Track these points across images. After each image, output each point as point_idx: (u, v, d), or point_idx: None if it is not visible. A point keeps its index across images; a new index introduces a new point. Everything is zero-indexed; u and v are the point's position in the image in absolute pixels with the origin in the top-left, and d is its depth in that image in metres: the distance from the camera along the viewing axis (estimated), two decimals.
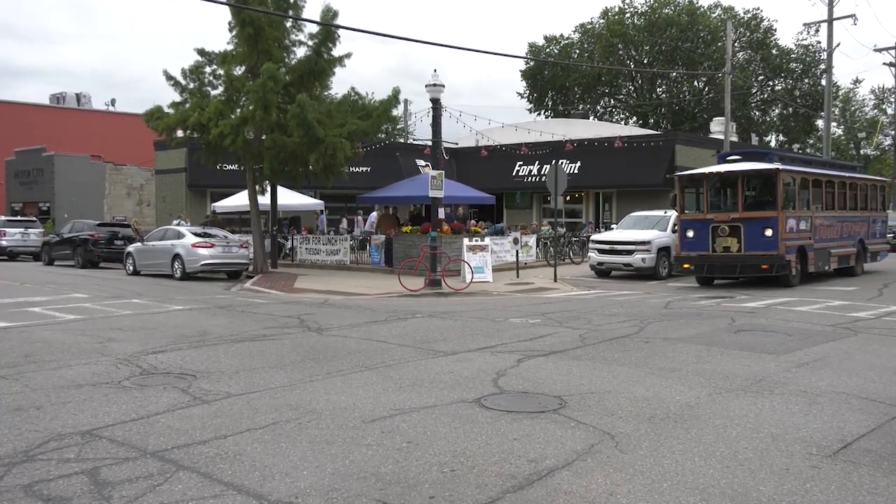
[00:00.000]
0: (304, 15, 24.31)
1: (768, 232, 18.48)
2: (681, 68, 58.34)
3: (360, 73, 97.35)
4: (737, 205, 19.19)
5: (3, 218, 36.77)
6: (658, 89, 63.26)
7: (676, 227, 20.90)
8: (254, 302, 16.58)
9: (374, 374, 8.58)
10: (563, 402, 7.19)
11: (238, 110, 23.65)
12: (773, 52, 60.78)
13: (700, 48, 57.71)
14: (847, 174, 22.85)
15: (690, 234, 19.66)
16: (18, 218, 38.69)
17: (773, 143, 66.22)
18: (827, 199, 21.19)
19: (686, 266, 19.72)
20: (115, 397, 7.48)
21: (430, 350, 10.15)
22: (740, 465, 5.45)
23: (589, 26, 62.75)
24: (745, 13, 60.91)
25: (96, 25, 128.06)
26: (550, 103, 64.89)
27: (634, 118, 63.30)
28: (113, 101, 63.21)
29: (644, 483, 5.08)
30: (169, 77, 23.89)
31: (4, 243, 33.62)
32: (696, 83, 61.91)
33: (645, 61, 61.07)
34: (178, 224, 28.30)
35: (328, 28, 23.27)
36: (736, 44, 54.52)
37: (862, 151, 72.21)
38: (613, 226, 28.65)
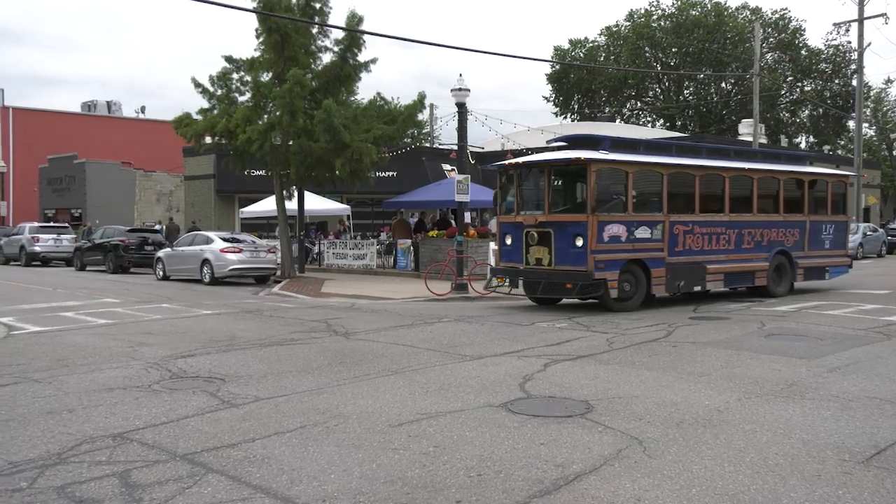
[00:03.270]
0: (330, 21, 24.46)
1: (578, 241, 14.59)
2: (708, 70, 57.89)
3: (383, 78, 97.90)
4: (544, 205, 15.41)
5: (37, 224, 37.34)
6: (685, 91, 62.84)
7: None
8: (281, 306, 16.68)
9: (400, 378, 8.60)
10: (591, 407, 7.16)
11: (265, 116, 23.85)
12: (802, 52, 60.15)
13: (727, 49, 57.23)
14: (759, 165, 17.65)
15: (508, 241, 16.02)
16: (51, 224, 39.27)
17: (802, 145, 65.47)
18: (708, 199, 16.57)
19: (500, 280, 16.73)
20: (145, 401, 7.57)
21: (457, 354, 10.15)
22: (771, 470, 5.39)
23: (615, 29, 62.49)
24: (772, 14, 60.38)
25: (124, 34, 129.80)
26: (576, 106, 64.69)
27: (661, 120, 62.94)
28: (143, 109, 64.05)
29: (673, 489, 5.04)
30: (197, 84, 24.17)
31: (38, 249, 34.12)
32: (723, 85, 61.44)
33: (672, 63, 60.69)
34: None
35: (353, 34, 23.40)
36: (764, 45, 54.03)
37: (895, 152, 71.10)
38: None
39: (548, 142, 18.55)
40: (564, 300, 16.10)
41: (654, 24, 59.86)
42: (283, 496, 4.94)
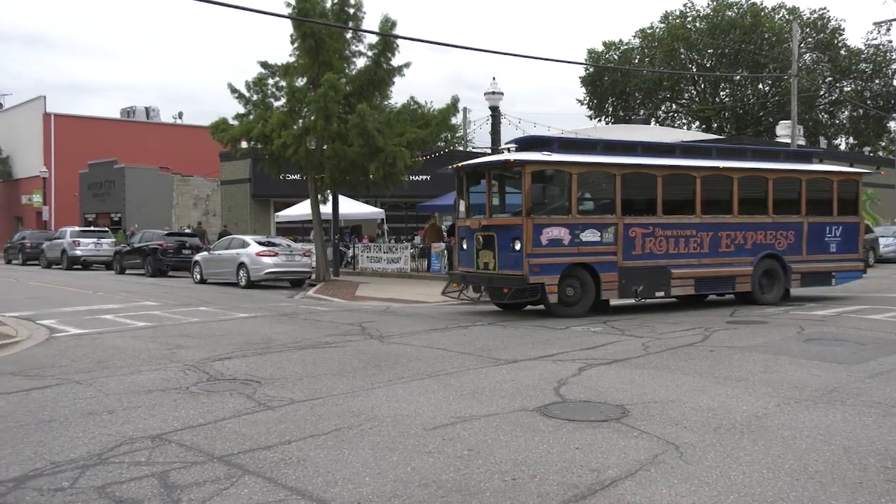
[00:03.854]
0: (364, 26, 24.60)
1: (517, 245, 14.25)
2: (744, 71, 57.20)
3: (417, 82, 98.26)
4: (485, 208, 15.23)
5: (77, 228, 38.04)
6: (721, 93, 62.17)
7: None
8: (316, 310, 16.80)
9: (434, 381, 8.61)
10: (626, 412, 7.10)
11: (300, 121, 24.06)
12: (842, 52, 59.18)
13: (764, 50, 56.48)
14: (740, 164, 16.62)
15: (464, 245, 15.89)
16: (91, 228, 39.99)
17: (842, 147, 64.39)
18: (675, 200, 15.83)
19: (455, 285, 16.61)
20: (183, 403, 7.66)
21: (491, 358, 10.14)
22: (810, 478, 5.30)
23: (649, 31, 62.04)
24: (811, 13, 59.48)
25: (161, 41, 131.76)
26: (611, 109, 64.31)
27: (697, 123, 62.32)
28: (180, 114, 64.93)
29: (710, 495, 4.98)
30: (233, 90, 24.47)
31: (78, 253, 34.76)
32: (760, 86, 60.67)
33: (707, 65, 60.07)
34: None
35: (387, 38, 23.52)
36: (802, 45, 53.27)
37: None
38: None
39: (505, 143, 17.89)
40: (530, 305, 15.72)
41: (689, 26, 59.30)
42: (318, 498, 4.97)
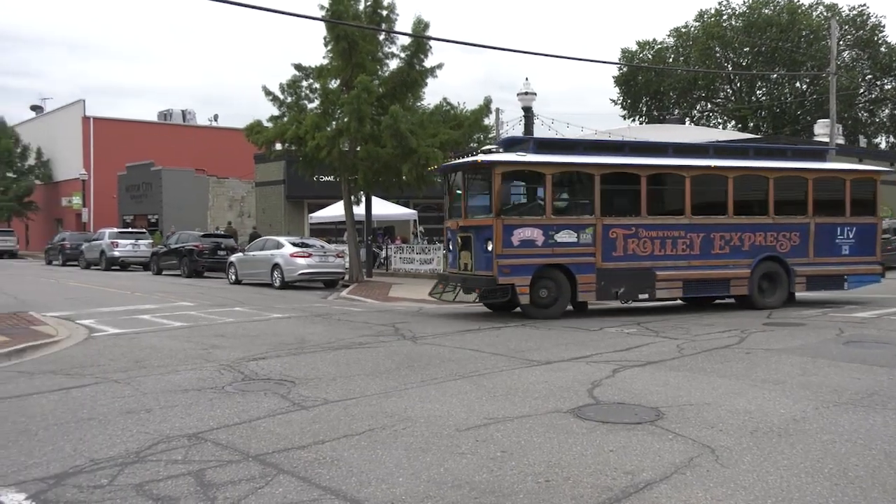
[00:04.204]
0: (396, 27, 24.68)
1: (489, 246, 14.29)
2: (781, 69, 56.41)
3: (449, 83, 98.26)
4: (465, 210, 15.27)
5: (116, 230, 38.65)
6: (757, 92, 61.34)
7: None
8: (350, 310, 16.88)
9: (467, 382, 8.61)
10: (661, 414, 7.04)
11: (333, 123, 24.21)
12: (882, 49, 58.06)
13: (802, 48, 55.65)
14: (736, 163, 16.13)
15: (451, 246, 15.98)
16: (129, 230, 40.61)
17: (882, 145, 63.19)
18: (662, 200, 15.68)
19: (441, 287, 16.40)
20: (218, 402, 7.75)
21: (524, 359, 10.11)
22: (850, 482, 5.21)
23: (684, 30, 61.44)
24: (849, 10, 58.46)
25: (197, 45, 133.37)
26: (645, 109, 63.80)
27: (733, 122, 61.56)
28: (215, 117, 65.66)
29: (747, 499, 4.91)
30: (268, 92, 24.69)
31: (117, 254, 35.32)
32: (798, 84, 59.76)
33: (743, 63, 59.33)
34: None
35: (420, 40, 23.57)
36: (841, 42, 52.41)
37: None
38: None
39: (493, 144, 17.68)
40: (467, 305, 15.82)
41: (724, 24, 58.62)
42: (352, 498, 4.99)
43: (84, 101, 58.69)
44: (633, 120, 62.75)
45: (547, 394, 7.94)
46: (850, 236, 16.60)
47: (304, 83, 24.97)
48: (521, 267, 14.32)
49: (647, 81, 61.37)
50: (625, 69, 61.38)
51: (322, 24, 23.58)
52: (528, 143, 15.50)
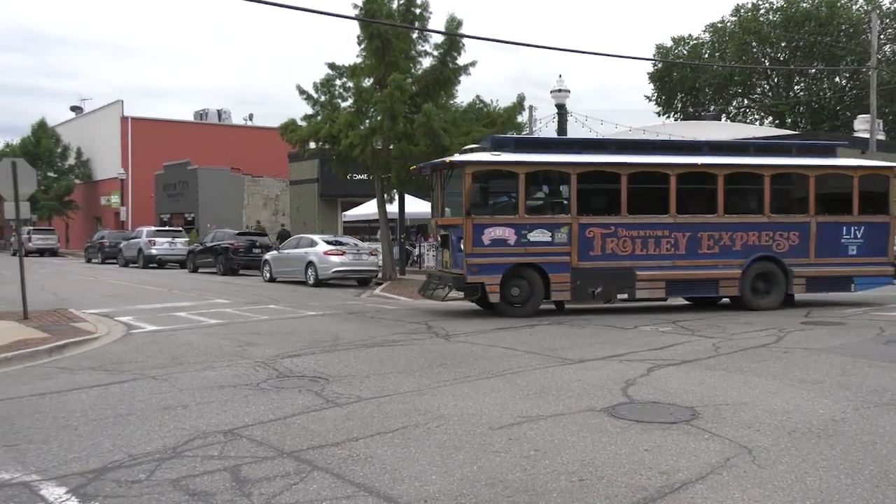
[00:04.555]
0: (430, 26, 24.68)
1: (462, 245, 14.46)
2: (820, 64, 55.46)
3: (481, 81, 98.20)
4: (443, 209, 15.49)
5: (153, 228, 39.19)
6: (795, 87, 60.36)
7: None
8: (383, 308, 16.94)
9: (500, 380, 8.59)
10: (696, 413, 6.96)
11: (367, 121, 24.29)
12: None
13: (841, 42, 54.64)
14: (727, 160, 15.69)
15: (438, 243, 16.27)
16: (166, 228, 41.16)
17: None
18: (644, 198, 15.31)
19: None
20: (253, 398, 7.82)
21: (558, 357, 10.06)
22: (892, 484, 5.10)
23: (720, 25, 60.65)
24: (890, 3, 57.24)
25: (232, 45, 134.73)
26: (680, 105, 63.10)
27: (770, 118, 60.65)
28: (250, 116, 66.31)
29: (784, 500, 4.84)
30: (301, 91, 24.85)
31: (154, 252, 35.81)
32: (837, 79, 58.70)
33: (781, 58, 58.42)
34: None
35: (453, 38, 23.56)
36: (882, 36, 51.36)
37: None
38: None
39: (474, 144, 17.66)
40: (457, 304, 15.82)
41: (761, 19, 57.74)
42: (385, 495, 5.01)
43: (122, 101, 59.68)
44: (668, 117, 62.08)
45: (581, 392, 7.90)
46: (859, 236, 15.89)
47: (338, 82, 25.09)
48: (491, 266, 14.44)
49: (682, 77, 60.69)
50: (659, 65, 60.77)
51: (356, 23, 23.67)
52: (509, 143, 15.58)
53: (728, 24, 60.13)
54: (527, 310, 14.73)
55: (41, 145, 59.48)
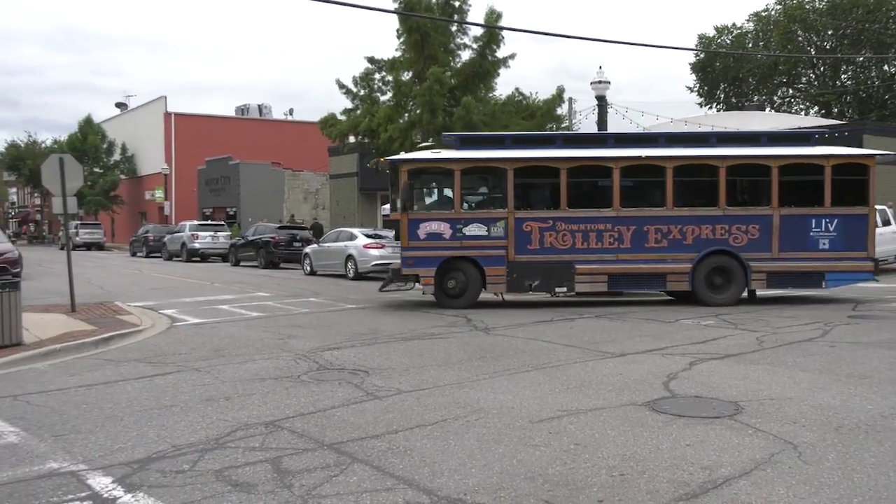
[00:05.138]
0: (469, 18, 24.63)
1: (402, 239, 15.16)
2: (868, 52, 54.14)
3: (520, 73, 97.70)
4: (391, 203, 15.97)
5: (196, 222, 39.74)
6: (842, 76, 59.04)
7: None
8: (422, 301, 16.96)
9: (540, 374, 8.55)
10: (740, 408, 6.86)
11: (406, 115, 24.35)
12: None
13: (890, 29, 53.26)
14: (678, 152, 15.23)
15: None
16: (209, 222, 41.71)
17: None
18: (586, 192, 15.43)
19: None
20: (294, 391, 7.89)
21: (598, 351, 9.99)
22: None
23: (764, 14, 59.53)
24: None
25: (271, 41, 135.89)
26: (722, 96, 62.11)
27: (816, 108, 59.41)
28: (291, 111, 66.84)
29: (831, 497, 4.74)
30: (341, 85, 24.99)
31: (197, 246, 36.34)
32: (886, 67, 57.25)
33: (827, 46, 57.17)
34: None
35: (492, 30, 23.47)
36: None
37: None
38: None
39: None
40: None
41: (807, 6, 56.56)
42: (425, 488, 5.02)
43: (165, 97, 60.52)
44: (710, 107, 61.18)
45: (621, 386, 7.83)
46: (831, 229, 14.91)
47: (377, 76, 25.19)
48: (426, 259, 14.98)
49: (725, 67, 59.73)
50: (701, 55, 59.87)
51: (395, 17, 23.72)
52: (456, 140, 15.98)
53: (772, 12, 59.01)
54: (463, 301, 15.10)
55: (88, 141, 60.67)
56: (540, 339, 11.16)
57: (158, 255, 40.01)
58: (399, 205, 15.01)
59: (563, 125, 58.01)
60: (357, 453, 5.75)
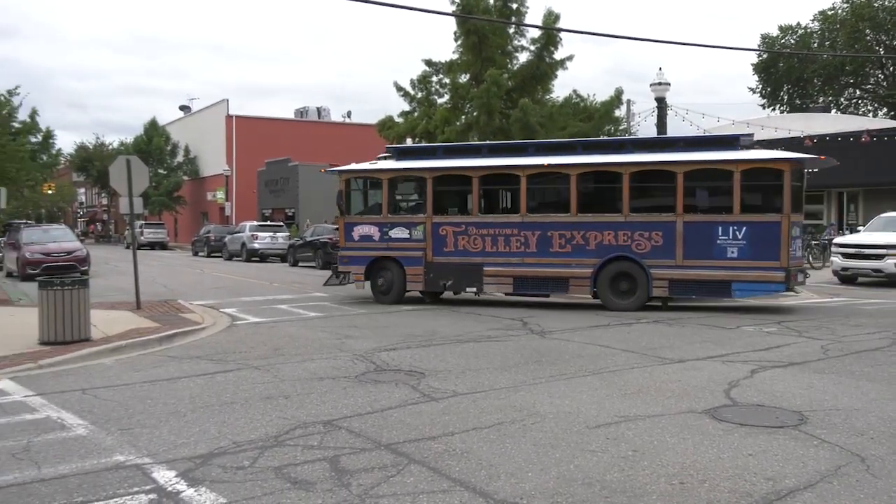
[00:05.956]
0: (526, 20, 24.57)
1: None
2: None
3: (577, 75, 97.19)
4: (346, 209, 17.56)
5: (256, 223, 40.40)
6: None
7: None
8: (478, 303, 16.95)
9: (597, 379, 8.48)
10: (804, 418, 6.69)
11: (463, 117, 24.41)
12: None
13: None
14: (582, 159, 15.38)
15: None
16: (268, 223, 42.37)
17: None
18: (497, 199, 16.71)
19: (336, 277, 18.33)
20: (352, 391, 7.97)
21: (656, 357, 9.85)
22: None
23: (830, 13, 57.99)
24: None
25: (331, 44, 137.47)
26: (786, 97, 60.69)
27: (885, 109, 57.63)
28: (349, 113, 67.54)
29: None
30: (399, 88, 25.19)
31: (256, 246, 36.93)
32: None
33: None
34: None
35: (550, 32, 23.37)
36: None
37: None
38: (860, 228, 26.21)
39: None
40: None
41: (875, 4, 54.91)
42: (481, 491, 5.01)
43: (227, 100, 61.67)
44: (773, 109, 59.86)
45: (680, 393, 7.71)
46: (740, 237, 14.29)
47: (434, 78, 25.33)
48: (357, 258, 16.79)
49: (789, 68, 58.36)
50: (765, 56, 58.61)
51: (453, 19, 23.78)
52: (395, 152, 17.72)
53: (839, 10, 57.45)
54: (391, 298, 16.57)
55: (152, 143, 62.28)
56: (597, 343, 11.06)
57: (219, 254, 40.78)
58: (342, 209, 16.95)
59: (622, 127, 57.35)
60: (414, 454, 5.77)
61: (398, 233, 16.43)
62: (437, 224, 16.17)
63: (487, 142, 19.29)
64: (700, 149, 15.36)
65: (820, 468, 5.39)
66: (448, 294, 17.53)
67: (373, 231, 16.64)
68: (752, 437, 6.17)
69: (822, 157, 15.58)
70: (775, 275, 14.19)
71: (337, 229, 17.92)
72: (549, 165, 15.55)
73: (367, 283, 17.03)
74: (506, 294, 16.63)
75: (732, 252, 14.38)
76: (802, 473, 5.28)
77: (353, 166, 17.45)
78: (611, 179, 15.30)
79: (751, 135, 16.08)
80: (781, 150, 30.32)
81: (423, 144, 19.60)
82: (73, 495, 5.01)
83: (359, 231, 16.77)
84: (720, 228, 14.44)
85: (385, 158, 17.55)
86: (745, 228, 14.32)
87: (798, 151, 32.51)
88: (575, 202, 15.28)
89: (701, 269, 14.54)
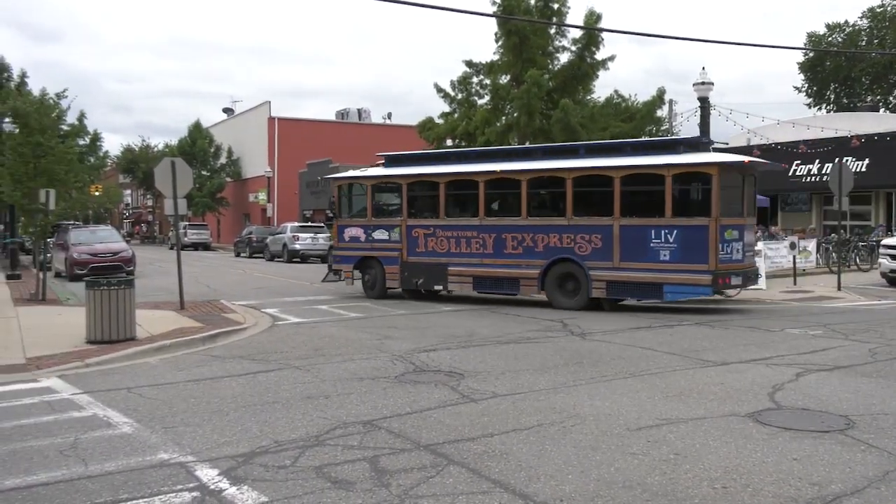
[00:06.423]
0: (567, 20, 24.44)
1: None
2: None
3: (619, 75, 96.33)
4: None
5: (297, 224, 40.76)
6: None
7: None
8: (517, 304, 16.90)
9: (638, 381, 8.40)
10: (851, 423, 6.55)
11: (503, 118, 24.36)
12: None
13: None
14: (532, 165, 16.02)
15: None
16: (309, 224, 42.72)
17: None
18: (461, 203, 17.06)
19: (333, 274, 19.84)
20: (391, 391, 8.00)
21: (698, 359, 9.73)
22: None
23: (879, 10, 56.71)
24: None
25: (372, 46, 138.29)
26: (833, 97, 59.47)
27: None
28: (389, 115, 67.79)
29: None
30: (439, 89, 25.24)
31: (297, 247, 37.27)
32: None
33: None
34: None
35: (591, 32, 23.22)
36: None
37: None
38: None
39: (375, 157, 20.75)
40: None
41: None
42: (520, 492, 5.00)
43: (269, 102, 62.26)
44: (820, 108, 58.73)
45: (723, 396, 7.60)
46: (671, 240, 14.40)
47: (475, 79, 25.34)
48: (347, 257, 18.41)
49: (836, 67, 57.20)
50: (811, 54, 57.53)
51: (493, 21, 23.77)
52: (387, 159, 18.78)
53: (889, 8, 56.17)
54: (375, 293, 17.95)
55: (196, 145, 63.14)
56: (638, 345, 10.96)
57: (261, 255, 41.22)
58: (335, 213, 18.54)
59: (664, 128, 56.70)
60: (453, 455, 5.78)
61: (380, 234, 17.77)
62: (410, 226, 17.39)
63: (464, 149, 20.18)
64: (645, 153, 15.55)
65: (868, 473, 5.27)
66: (487, 296, 17.53)
67: (359, 233, 18.09)
68: (797, 441, 6.06)
69: (766, 161, 16.18)
70: (701, 278, 14.26)
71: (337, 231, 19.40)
72: (502, 171, 16.34)
73: (359, 281, 18.50)
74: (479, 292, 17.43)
75: (664, 255, 14.56)
76: (849, 479, 5.17)
77: (344, 174, 19.13)
78: (557, 184, 15.94)
79: (707, 139, 16.66)
80: (828, 149, 29.38)
81: (412, 152, 20.19)
82: (118, 492, 5.11)
83: (349, 233, 18.28)
84: (653, 231, 14.64)
85: (378, 166, 19.01)
86: (675, 231, 14.48)
87: (844, 152, 31.80)
88: (525, 206, 16.04)
89: (635, 272, 14.78)
